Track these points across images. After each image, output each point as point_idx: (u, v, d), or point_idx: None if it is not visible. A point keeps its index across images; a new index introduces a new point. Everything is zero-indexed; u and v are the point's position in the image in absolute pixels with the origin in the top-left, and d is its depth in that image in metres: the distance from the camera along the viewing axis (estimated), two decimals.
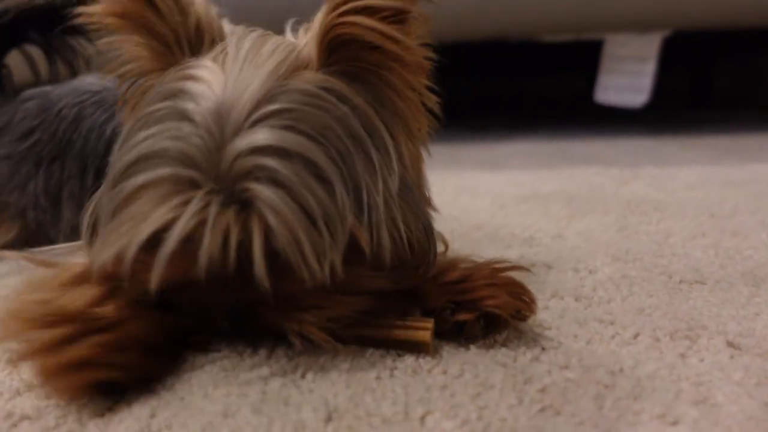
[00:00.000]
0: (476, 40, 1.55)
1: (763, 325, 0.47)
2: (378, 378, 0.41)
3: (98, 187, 0.57)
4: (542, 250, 0.68)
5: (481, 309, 0.45)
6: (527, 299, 0.46)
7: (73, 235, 0.67)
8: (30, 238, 0.74)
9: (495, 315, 0.44)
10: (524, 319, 0.46)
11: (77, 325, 0.39)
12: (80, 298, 0.42)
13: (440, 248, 0.54)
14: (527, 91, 2.77)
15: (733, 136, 1.59)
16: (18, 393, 0.41)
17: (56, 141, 0.68)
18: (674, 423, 0.35)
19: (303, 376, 0.42)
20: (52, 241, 0.70)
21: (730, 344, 0.44)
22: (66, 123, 0.68)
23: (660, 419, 0.36)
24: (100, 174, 0.61)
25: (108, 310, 0.41)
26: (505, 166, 1.27)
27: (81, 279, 0.44)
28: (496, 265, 0.49)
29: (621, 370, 0.41)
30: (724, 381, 0.39)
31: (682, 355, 0.43)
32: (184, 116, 0.39)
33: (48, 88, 0.76)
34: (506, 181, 1.12)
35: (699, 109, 2.37)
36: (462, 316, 0.45)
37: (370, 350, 0.44)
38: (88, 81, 0.74)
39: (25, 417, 0.38)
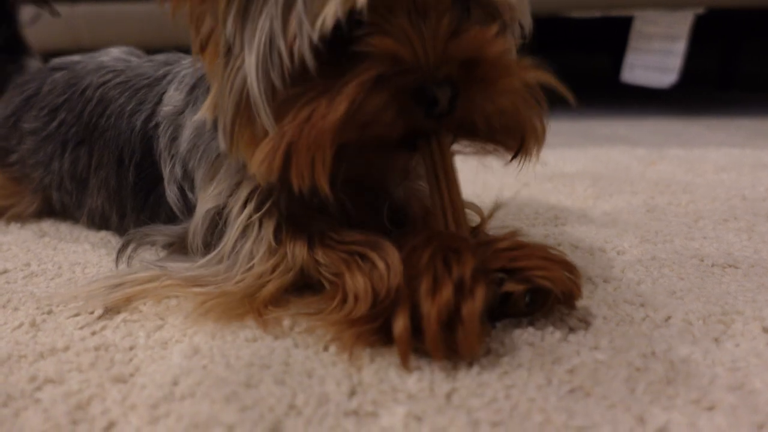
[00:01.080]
0: None
1: None
2: None
3: (142, 182, 0.60)
4: (568, 229, 0.67)
5: (532, 281, 0.42)
6: (578, 283, 0.43)
7: (101, 222, 0.68)
8: (53, 213, 0.75)
9: (544, 291, 0.42)
10: (572, 302, 0.44)
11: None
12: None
13: (476, 220, 0.53)
14: (552, 67, 2.71)
15: (762, 119, 1.55)
16: (42, 356, 0.41)
17: (82, 123, 0.67)
18: (710, 408, 0.34)
19: (325, 349, 0.41)
20: (76, 221, 0.72)
21: (766, 330, 0.43)
22: (91, 106, 0.66)
23: (695, 404, 0.34)
24: (141, 168, 0.61)
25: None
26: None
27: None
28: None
29: (653, 353, 0.40)
30: (761, 367, 0.38)
31: (717, 340, 0.42)
32: None
33: (76, 58, 0.76)
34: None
35: (726, 91, 2.31)
36: (510, 287, 0.42)
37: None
38: (114, 55, 0.73)
39: (48, 380, 0.38)
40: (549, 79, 0.43)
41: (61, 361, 0.40)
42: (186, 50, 0.55)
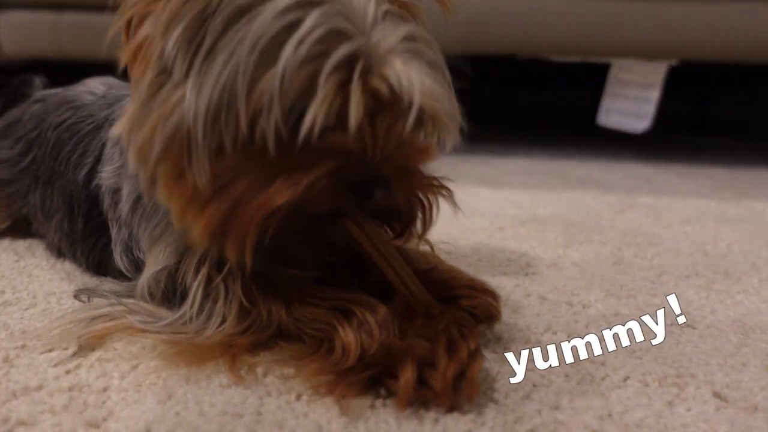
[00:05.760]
0: (483, 54, 1.56)
1: (749, 377, 0.48)
2: (372, 407, 0.41)
3: (91, 233, 0.61)
4: (537, 279, 0.69)
5: (460, 308, 0.49)
6: (498, 307, 0.52)
7: (58, 255, 0.70)
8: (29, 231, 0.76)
9: (470, 314, 0.49)
10: (492, 324, 0.52)
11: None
12: None
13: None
14: (530, 105, 2.78)
15: (730, 168, 1.61)
16: (14, 395, 0.41)
17: (46, 164, 0.67)
18: None
19: (298, 399, 0.42)
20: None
21: (716, 395, 0.45)
22: (49, 148, 0.67)
23: None
24: (89, 218, 0.61)
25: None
26: (505, 184, 1.28)
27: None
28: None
29: (609, 415, 0.42)
30: None
31: (670, 403, 0.44)
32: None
33: (56, 90, 0.75)
34: (505, 199, 1.13)
35: (698, 136, 2.40)
36: None
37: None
38: (86, 87, 0.71)
39: (21, 422, 0.38)
40: (447, 192, 0.51)
41: (35, 402, 0.41)
42: None
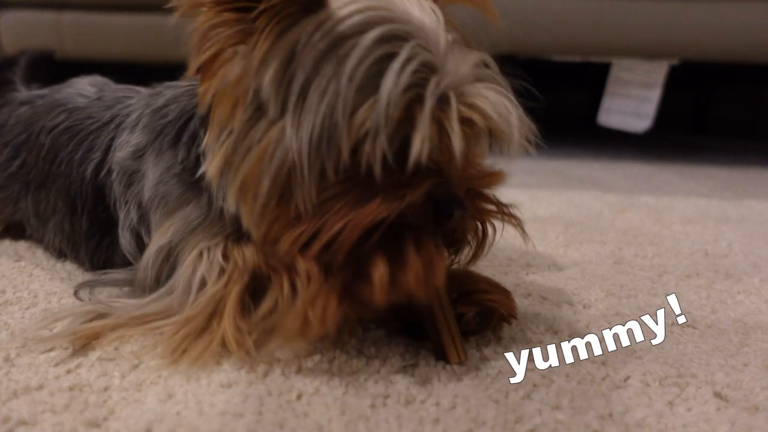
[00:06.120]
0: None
1: (750, 377, 0.48)
2: (372, 406, 0.41)
3: (96, 231, 0.62)
4: (538, 279, 0.69)
5: (481, 303, 0.50)
6: (514, 305, 0.53)
7: (59, 256, 0.70)
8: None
9: (490, 311, 0.50)
10: (510, 320, 0.53)
11: None
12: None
13: None
14: (531, 104, 2.77)
15: (731, 167, 1.61)
16: (15, 395, 0.41)
17: (39, 167, 0.67)
18: None
19: (298, 398, 0.42)
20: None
21: (717, 395, 0.45)
22: (44, 151, 0.66)
23: None
24: (95, 215, 0.61)
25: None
26: (505, 183, 1.28)
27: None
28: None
29: (610, 414, 0.42)
30: None
31: (671, 403, 0.44)
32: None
33: (43, 92, 0.75)
34: (505, 199, 1.12)
35: (698, 136, 2.40)
36: (463, 309, 0.49)
37: (363, 375, 0.45)
38: (76, 89, 0.71)
39: (21, 422, 0.38)
40: (516, 221, 0.54)
41: (35, 401, 0.41)
42: (174, 66, 0.53)
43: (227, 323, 0.46)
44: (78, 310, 0.51)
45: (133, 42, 1.54)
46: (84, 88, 0.70)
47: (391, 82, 0.40)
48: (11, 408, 0.40)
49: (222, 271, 0.49)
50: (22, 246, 0.74)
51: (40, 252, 0.72)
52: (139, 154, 0.57)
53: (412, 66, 0.41)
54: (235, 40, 0.44)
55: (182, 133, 0.54)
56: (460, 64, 0.44)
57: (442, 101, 0.42)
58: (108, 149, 0.60)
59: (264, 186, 0.43)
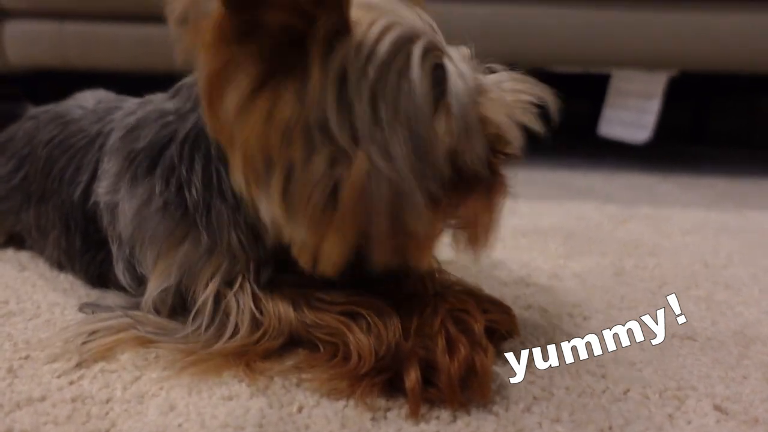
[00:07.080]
0: None
1: (750, 389, 0.48)
2: (373, 419, 0.41)
3: (89, 248, 0.62)
4: (538, 291, 0.69)
5: (481, 321, 0.49)
6: (515, 322, 0.54)
7: (59, 268, 0.70)
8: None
9: (491, 330, 0.50)
10: (511, 337, 0.53)
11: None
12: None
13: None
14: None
15: (731, 178, 1.61)
16: (18, 406, 0.42)
17: (38, 181, 0.67)
18: None
19: (299, 411, 0.42)
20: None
21: (717, 408, 0.45)
22: (41, 164, 0.66)
23: None
24: (87, 234, 0.61)
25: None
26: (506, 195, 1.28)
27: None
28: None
29: (610, 428, 0.42)
30: None
31: (670, 416, 0.44)
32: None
33: (48, 107, 0.75)
34: (506, 210, 1.12)
35: (698, 146, 2.40)
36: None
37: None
38: (77, 102, 0.71)
39: None
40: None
41: (38, 413, 0.41)
42: (177, 77, 0.53)
43: (248, 367, 0.47)
44: (108, 324, 0.51)
45: (136, 52, 1.55)
46: (85, 100, 0.70)
47: (459, 90, 0.42)
48: (14, 419, 0.40)
49: (256, 323, 0.48)
50: (25, 256, 0.74)
51: (42, 262, 0.72)
52: (116, 187, 0.55)
53: (461, 73, 0.43)
54: (264, 78, 0.40)
55: (157, 162, 0.52)
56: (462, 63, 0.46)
57: (491, 92, 0.45)
58: (93, 174, 0.59)
59: (373, 219, 0.42)
